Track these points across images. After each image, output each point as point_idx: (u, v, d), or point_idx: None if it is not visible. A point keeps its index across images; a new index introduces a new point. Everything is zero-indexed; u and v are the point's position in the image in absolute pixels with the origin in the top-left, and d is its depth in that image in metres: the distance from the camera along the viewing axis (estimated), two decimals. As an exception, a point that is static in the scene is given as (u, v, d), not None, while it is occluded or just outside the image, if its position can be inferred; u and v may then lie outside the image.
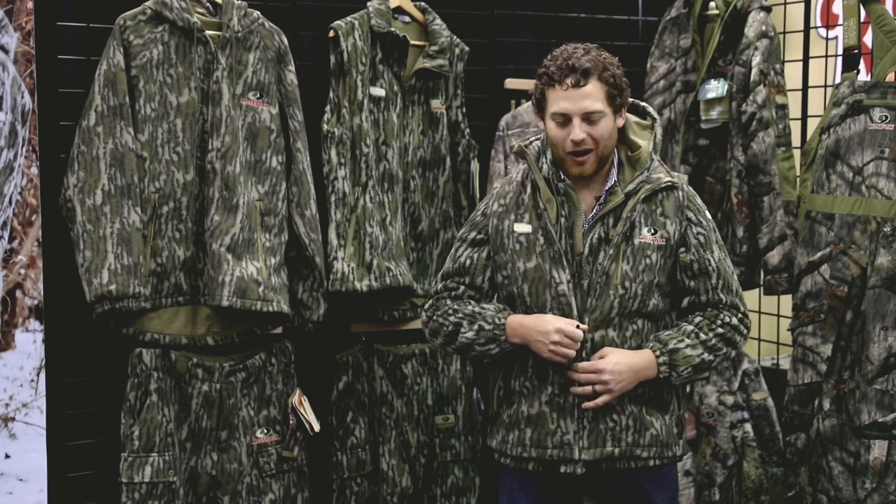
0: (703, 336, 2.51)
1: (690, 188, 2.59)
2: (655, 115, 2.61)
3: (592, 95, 2.41)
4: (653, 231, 2.48)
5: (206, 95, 3.03)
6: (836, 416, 3.10)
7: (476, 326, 2.52)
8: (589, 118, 2.41)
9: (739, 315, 2.56)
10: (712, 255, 2.53)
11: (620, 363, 2.44)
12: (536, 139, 2.60)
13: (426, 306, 2.66)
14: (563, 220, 2.48)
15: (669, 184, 2.52)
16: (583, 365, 2.45)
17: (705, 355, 2.51)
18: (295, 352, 3.24)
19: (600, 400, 2.45)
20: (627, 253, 2.46)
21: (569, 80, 2.41)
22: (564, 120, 2.43)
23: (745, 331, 2.58)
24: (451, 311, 2.57)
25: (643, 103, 2.65)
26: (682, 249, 2.52)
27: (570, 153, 2.45)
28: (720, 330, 2.53)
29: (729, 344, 2.55)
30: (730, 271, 2.58)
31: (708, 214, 2.58)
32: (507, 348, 2.51)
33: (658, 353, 2.48)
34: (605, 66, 2.42)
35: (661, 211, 2.51)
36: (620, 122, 2.50)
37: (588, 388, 2.45)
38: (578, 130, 2.41)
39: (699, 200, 2.58)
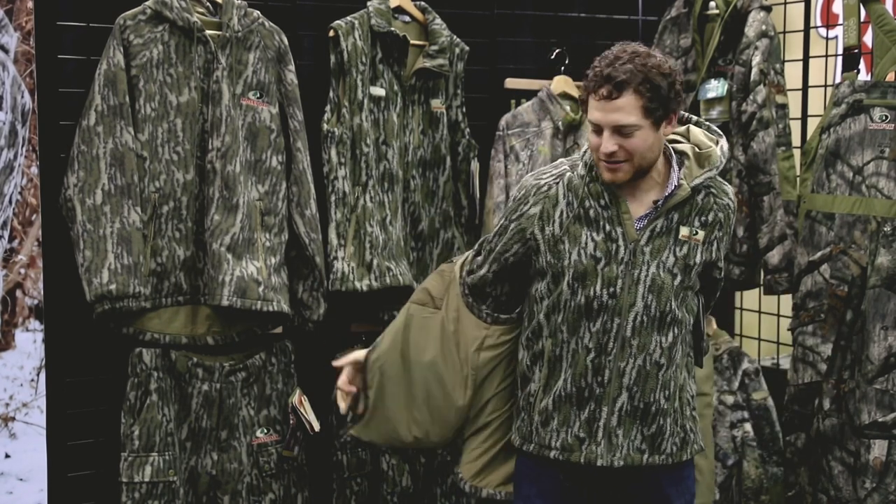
0: None
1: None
2: (720, 133, 2.52)
3: (625, 109, 2.30)
4: (696, 230, 2.45)
5: (206, 95, 3.03)
6: (837, 415, 3.10)
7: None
8: (620, 131, 2.32)
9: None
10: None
11: None
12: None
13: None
14: (605, 210, 2.42)
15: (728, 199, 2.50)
16: None
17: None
18: (295, 351, 3.24)
19: None
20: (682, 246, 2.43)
21: (602, 91, 2.31)
22: (597, 129, 2.35)
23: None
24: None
25: (706, 122, 2.56)
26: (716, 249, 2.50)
27: (602, 160, 2.37)
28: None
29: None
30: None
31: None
32: None
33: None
34: (645, 77, 2.28)
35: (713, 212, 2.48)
36: (669, 129, 2.39)
37: None
38: (608, 143, 2.33)
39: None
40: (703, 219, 2.44)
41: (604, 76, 2.30)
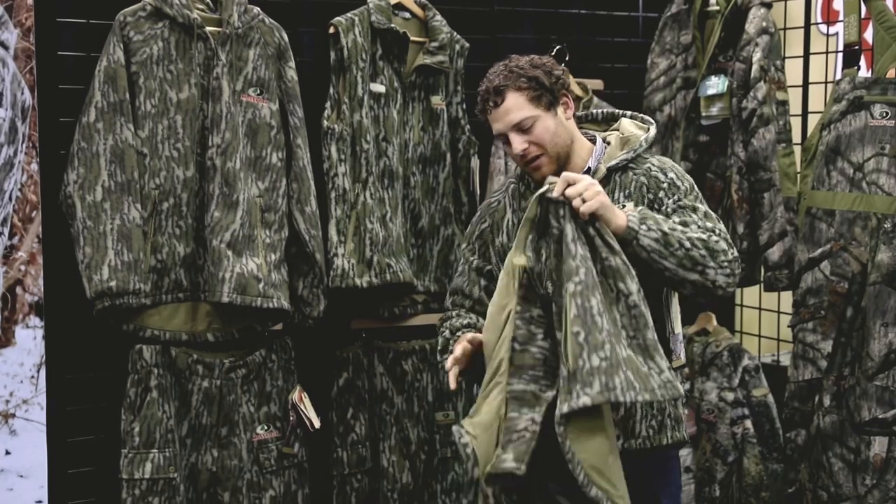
0: (683, 227, 2.37)
1: (669, 162, 2.54)
2: (652, 121, 2.60)
3: (513, 107, 2.44)
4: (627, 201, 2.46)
5: (206, 92, 3.02)
6: (837, 412, 3.10)
7: (440, 344, 2.60)
8: (521, 128, 2.45)
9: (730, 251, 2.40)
10: (694, 207, 2.45)
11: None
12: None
13: (440, 319, 2.68)
14: None
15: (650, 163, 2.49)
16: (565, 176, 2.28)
17: (679, 234, 2.32)
18: (295, 348, 3.24)
19: (585, 207, 2.22)
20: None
21: (490, 103, 2.47)
22: (505, 139, 2.49)
23: (731, 256, 2.36)
24: (445, 327, 2.61)
25: (640, 115, 2.65)
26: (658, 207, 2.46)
27: (523, 165, 2.50)
28: (704, 235, 2.36)
29: (709, 250, 2.34)
30: (715, 217, 2.46)
31: (687, 181, 2.51)
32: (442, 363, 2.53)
33: (629, 208, 2.37)
34: (518, 75, 2.45)
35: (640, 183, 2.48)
36: (569, 113, 2.50)
37: (584, 210, 2.24)
38: (517, 143, 2.45)
39: (676, 171, 2.52)
40: (626, 192, 2.48)
41: (485, 91, 2.48)
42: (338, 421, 3.30)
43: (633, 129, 2.59)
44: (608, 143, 2.56)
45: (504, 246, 2.54)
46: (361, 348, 3.34)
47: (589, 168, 2.51)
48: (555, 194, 2.24)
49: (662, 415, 2.51)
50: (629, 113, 2.65)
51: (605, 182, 2.48)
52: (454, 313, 2.63)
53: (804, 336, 3.20)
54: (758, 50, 3.38)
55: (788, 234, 3.39)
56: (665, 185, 2.47)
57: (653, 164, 2.51)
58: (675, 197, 2.45)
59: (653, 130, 2.57)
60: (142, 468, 2.94)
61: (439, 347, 2.61)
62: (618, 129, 2.61)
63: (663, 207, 2.44)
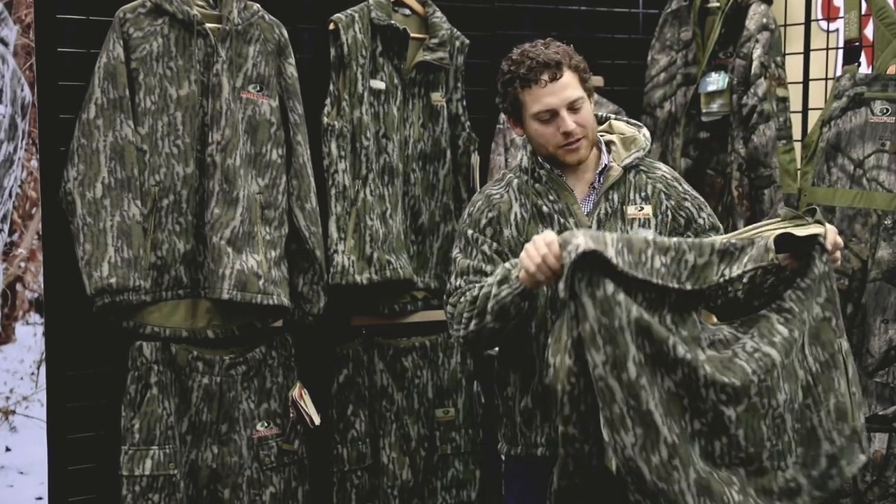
0: None
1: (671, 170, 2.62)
2: (640, 124, 2.63)
3: (571, 84, 2.43)
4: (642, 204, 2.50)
5: (206, 88, 3.02)
6: (837, 409, 3.10)
7: (498, 276, 2.37)
8: (573, 107, 2.43)
9: None
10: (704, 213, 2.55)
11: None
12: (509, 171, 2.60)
13: (451, 303, 2.52)
14: (555, 204, 2.47)
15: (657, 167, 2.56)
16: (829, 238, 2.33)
17: None
18: (295, 345, 3.24)
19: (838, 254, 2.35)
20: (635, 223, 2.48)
21: (545, 77, 2.42)
22: (551, 116, 2.43)
23: None
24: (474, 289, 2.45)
25: (624, 116, 2.68)
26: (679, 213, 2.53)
27: (563, 146, 2.45)
28: None
29: None
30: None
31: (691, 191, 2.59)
32: (516, 289, 2.31)
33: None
34: (570, 55, 2.46)
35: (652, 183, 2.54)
36: (593, 105, 2.52)
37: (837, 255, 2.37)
38: (569, 121, 2.42)
39: (684, 181, 2.60)
40: (642, 194, 2.50)
41: (541, 63, 2.42)
42: (338, 418, 3.30)
43: (629, 129, 2.60)
44: (609, 143, 2.56)
45: (513, 239, 2.47)
46: (361, 345, 3.33)
47: (605, 166, 2.50)
48: (830, 245, 2.30)
49: None
50: (613, 115, 2.66)
51: (620, 181, 2.49)
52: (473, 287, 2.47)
53: (804, 333, 3.19)
54: (758, 46, 3.38)
55: (789, 230, 3.39)
56: (687, 196, 2.53)
57: (664, 171, 2.56)
58: (706, 212, 2.53)
59: (645, 131, 2.59)
60: (142, 465, 2.94)
61: (498, 279, 2.34)
62: (610, 130, 2.61)
63: (695, 219, 2.50)
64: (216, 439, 3.07)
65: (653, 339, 2.12)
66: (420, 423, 3.38)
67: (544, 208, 2.48)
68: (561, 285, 2.15)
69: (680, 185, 2.55)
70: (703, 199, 2.58)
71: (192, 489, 3.05)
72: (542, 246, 2.20)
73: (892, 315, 2.97)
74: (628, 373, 2.07)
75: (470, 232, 2.53)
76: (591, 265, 2.09)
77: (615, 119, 2.64)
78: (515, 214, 2.50)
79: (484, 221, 2.52)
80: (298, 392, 3.17)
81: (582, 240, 2.09)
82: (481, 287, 2.39)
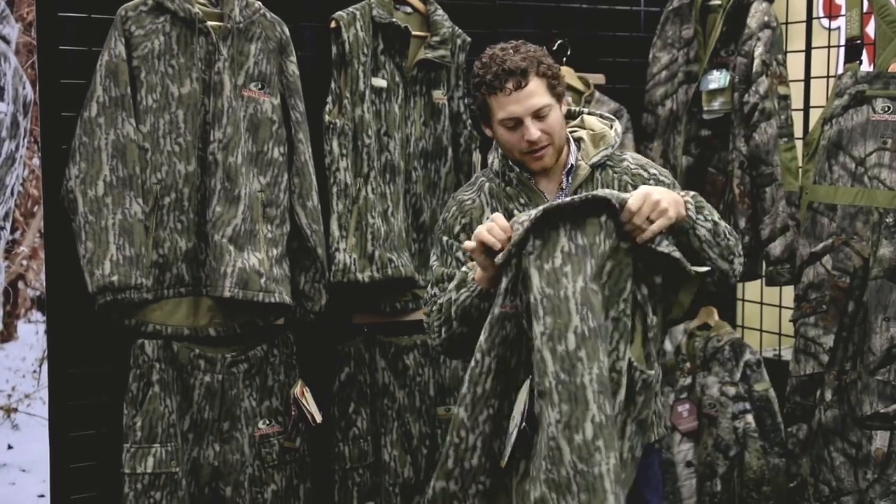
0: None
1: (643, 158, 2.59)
2: (613, 118, 2.61)
3: (536, 92, 2.41)
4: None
5: (207, 86, 3.02)
6: (838, 406, 3.10)
7: (456, 281, 2.42)
8: (538, 115, 2.42)
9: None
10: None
11: (659, 188, 2.27)
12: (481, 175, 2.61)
13: (426, 312, 2.58)
14: (526, 207, 2.47)
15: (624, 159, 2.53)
16: (631, 203, 2.23)
17: (723, 224, 2.37)
18: (297, 343, 3.24)
19: (657, 226, 2.22)
20: None
21: (510, 85, 2.41)
22: (515, 123, 2.44)
23: (739, 255, 2.43)
24: (441, 299, 2.49)
25: (598, 111, 2.67)
26: None
27: (527, 153, 2.46)
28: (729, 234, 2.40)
29: (735, 238, 2.40)
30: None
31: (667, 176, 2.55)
32: (474, 290, 2.36)
33: (683, 194, 2.35)
34: (539, 60, 2.43)
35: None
36: (564, 108, 2.51)
37: (654, 228, 2.23)
38: (532, 130, 2.42)
39: (655, 167, 2.56)
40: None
41: (505, 70, 2.41)
42: (339, 415, 3.31)
43: (599, 125, 2.59)
44: (579, 140, 2.55)
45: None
46: (363, 343, 3.34)
47: (571, 165, 2.51)
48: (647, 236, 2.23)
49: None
50: (587, 110, 2.65)
51: (588, 180, 2.49)
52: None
53: (806, 331, 3.19)
54: (759, 44, 3.37)
55: (790, 228, 3.39)
56: (651, 181, 2.48)
57: (629, 162, 2.54)
58: (677, 191, 2.45)
59: (617, 126, 2.58)
60: (144, 463, 2.94)
61: (456, 283, 2.41)
62: (582, 126, 2.60)
63: None
64: (218, 437, 3.08)
65: (597, 312, 2.13)
66: (421, 421, 3.38)
67: (515, 212, 2.48)
68: (500, 257, 2.20)
69: (645, 170, 2.52)
70: (673, 179, 2.54)
71: (193, 487, 3.06)
72: (492, 219, 2.27)
73: (893, 313, 2.97)
74: (566, 343, 2.08)
75: (445, 239, 2.58)
76: (543, 238, 2.15)
77: (588, 114, 2.62)
78: (488, 219, 2.48)
79: (458, 228, 2.56)
80: (300, 390, 3.17)
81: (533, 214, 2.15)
82: (447, 294, 2.44)
